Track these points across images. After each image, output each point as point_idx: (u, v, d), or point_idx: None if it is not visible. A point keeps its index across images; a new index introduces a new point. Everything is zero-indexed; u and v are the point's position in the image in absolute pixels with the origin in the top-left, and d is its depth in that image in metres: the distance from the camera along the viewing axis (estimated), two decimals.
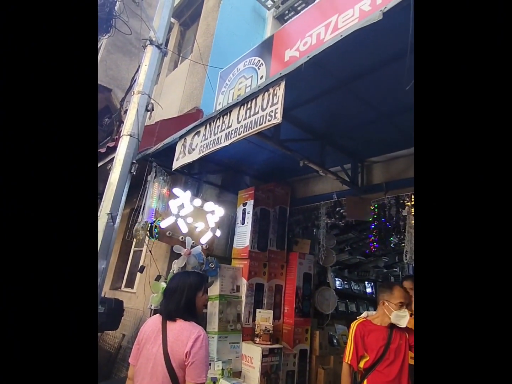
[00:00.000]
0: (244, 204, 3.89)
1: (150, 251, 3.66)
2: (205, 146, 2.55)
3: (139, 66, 3.72)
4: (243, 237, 3.75)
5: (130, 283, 4.95)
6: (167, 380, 1.50)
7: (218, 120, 2.49)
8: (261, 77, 3.48)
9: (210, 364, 2.85)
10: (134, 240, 4.78)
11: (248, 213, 3.81)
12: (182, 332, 1.58)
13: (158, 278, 3.33)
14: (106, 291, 4.78)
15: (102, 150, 4.28)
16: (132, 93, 3.49)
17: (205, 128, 2.63)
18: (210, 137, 2.52)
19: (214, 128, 2.49)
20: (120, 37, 7.17)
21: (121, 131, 3.46)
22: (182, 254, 3.24)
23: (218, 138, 2.41)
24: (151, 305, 3.14)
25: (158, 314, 1.73)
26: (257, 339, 3.24)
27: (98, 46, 7.99)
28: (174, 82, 5.96)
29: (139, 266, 4.11)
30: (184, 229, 3.48)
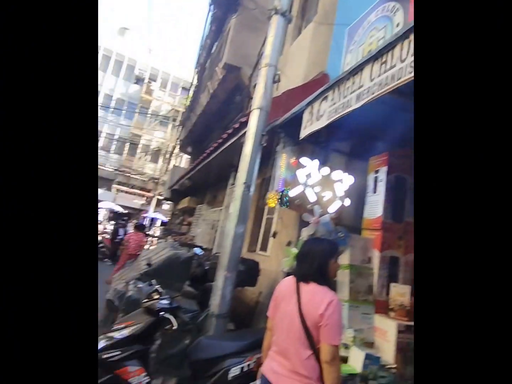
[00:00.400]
0: (376, 172, 3.60)
1: (281, 218, 3.86)
2: (333, 111, 2.44)
3: (265, 39, 3.80)
4: (375, 206, 3.51)
5: (264, 247, 5.42)
6: (303, 336, 1.60)
7: (347, 81, 2.32)
8: (397, 25, 3.03)
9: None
10: (266, 207, 5.14)
11: (380, 181, 3.52)
12: (316, 295, 1.63)
13: (289, 244, 3.51)
14: (244, 253, 5.38)
15: (236, 125, 4.66)
16: (259, 67, 3.61)
17: (333, 92, 2.50)
18: (339, 100, 2.39)
19: (343, 90, 2.34)
20: (247, 15, 7.45)
21: (251, 106, 3.67)
22: (310, 222, 3.29)
23: (347, 101, 2.26)
24: (284, 268, 3.35)
25: (291, 276, 1.83)
26: (392, 313, 3.06)
27: (227, 27, 8.54)
28: (298, 49, 5.86)
29: (272, 232, 4.42)
30: (312, 198, 3.51)
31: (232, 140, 4.80)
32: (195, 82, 14.03)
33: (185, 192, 11.52)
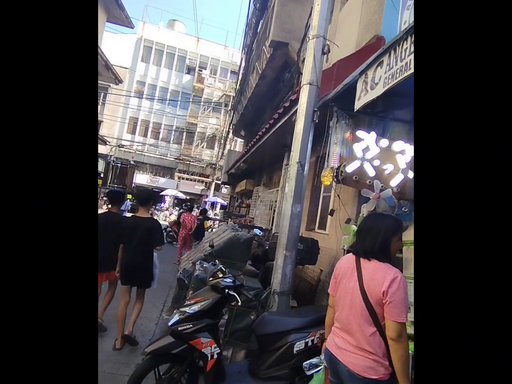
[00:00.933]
0: None
1: (338, 196, 3.76)
2: (390, 77, 2.25)
3: (312, 8, 3.61)
4: None
5: (322, 225, 5.36)
6: (365, 313, 1.57)
7: (405, 42, 2.11)
8: None
9: (409, 308, 2.76)
10: (322, 185, 5.04)
11: None
12: (377, 271, 1.58)
13: (348, 221, 3.42)
14: (302, 232, 5.38)
15: (286, 104, 4.58)
16: (307, 40, 3.47)
17: (389, 55, 2.31)
18: (395, 65, 2.20)
19: (401, 52, 2.14)
20: None
21: (300, 82, 3.56)
22: (370, 198, 3.15)
23: (406, 64, 2.07)
24: (344, 246, 3.29)
25: (351, 253, 1.79)
26: None
27: (271, 2, 8.27)
28: (348, 14, 5.47)
29: (329, 210, 4.33)
30: (371, 172, 3.34)
31: (284, 119, 4.74)
32: (243, 64, 13.99)
33: (242, 175, 11.78)
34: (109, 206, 4.14)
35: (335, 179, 3.41)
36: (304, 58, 3.56)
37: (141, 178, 25.61)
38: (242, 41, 14.74)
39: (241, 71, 13.51)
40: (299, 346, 2.26)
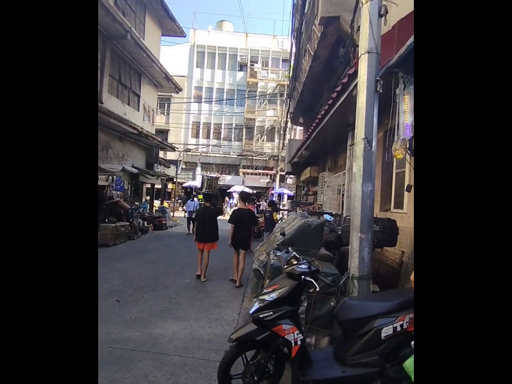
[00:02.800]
0: None
1: (413, 169, 3.43)
2: None
3: None
4: None
5: (398, 204, 4.97)
6: None
7: None
8: None
9: None
10: (394, 161, 4.66)
11: None
12: None
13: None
14: (376, 213, 5.06)
15: (344, 80, 4.32)
16: (360, 5, 3.20)
17: None
18: None
19: None
20: None
21: (358, 54, 3.31)
22: None
23: None
24: None
25: None
26: None
27: None
28: None
29: (406, 186, 3.99)
30: None
31: (344, 96, 4.49)
32: (293, 50, 13.67)
33: (305, 163, 11.58)
34: (206, 203, 6.19)
35: (408, 152, 3.12)
36: (359, 26, 3.30)
37: None
38: (291, 26, 14.38)
39: (292, 58, 13.22)
40: (387, 331, 2.13)
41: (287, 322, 2.21)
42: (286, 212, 11.78)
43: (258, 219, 8.78)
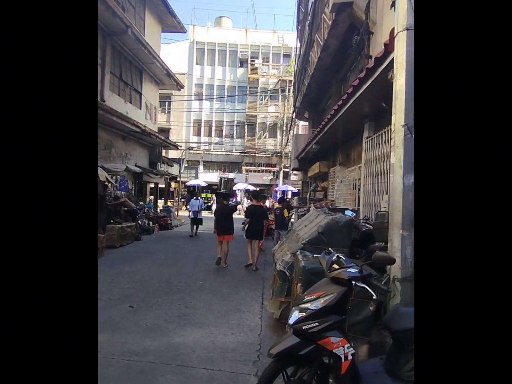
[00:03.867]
0: None
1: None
2: None
3: None
4: None
5: None
6: None
7: None
8: None
9: None
10: None
11: None
12: None
13: None
14: None
15: (369, 65, 4.02)
16: None
17: None
18: None
19: None
20: None
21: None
22: None
23: None
24: None
25: None
26: None
27: None
28: None
29: None
30: None
31: (367, 83, 4.18)
32: (298, 45, 13.36)
33: (313, 158, 11.29)
34: (224, 201, 7.44)
35: None
36: (393, 2, 3.00)
37: (212, 176, 26.68)
38: (296, 18, 14.04)
39: (298, 50, 12.91)
40: None
41: (335, 334, 1.93)
42: (295, 209, 11.49)
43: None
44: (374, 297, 1.91)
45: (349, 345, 1.93)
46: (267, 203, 11.51)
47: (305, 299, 2.09)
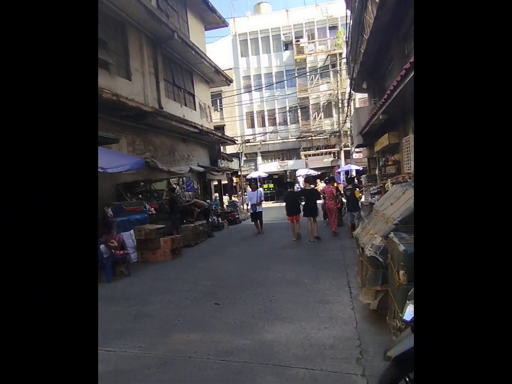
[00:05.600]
0: None
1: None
2: None
3: None
4: None
5: None
6: None
7: None
8: None
9: None
10: None
11: None
12: None
13: None
14: None
15: None
16: None
17: None
18: None
19: None
20: None
21: None
22: None
23: None
24: None
25: None
26: None
27: None
28: None
29: None
30: None
31: None
32: (348, 13, 12.33)
33: (379, 130, 10.38)
34: (290, 188, 9.12)
35: None
36: None
37: (271, 166, 26.57)
38: None
39: (349, 20, 11.93)
40: None
41: None
42: (364, 188, 10.74)
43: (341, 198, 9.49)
44: None
45: None
46: (322, 187, 11.09)
47: None
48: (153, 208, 8.57)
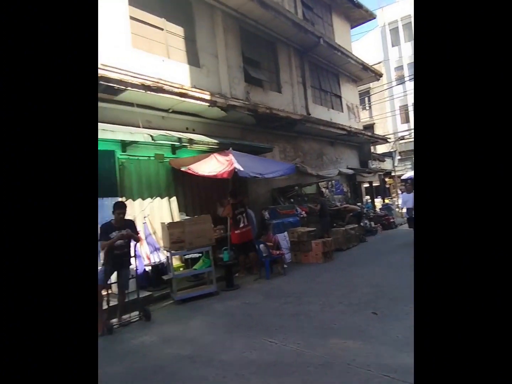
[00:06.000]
0: None
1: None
2: None
3: None
4: None
5: None
6: None
7: None
8: None
9: None
10: None
11: None
12: None
13: None
14: None
15: None
16: None
17: None
18: None
19: None
20: None
21: None
22: None
23: None
24: None
25: None
26: None
27: None
28: None
29: None
30: None
31: None
32: None
33: None
34: None
35: None
36: None
37: None
38: None
39: None
40: None
41: None
42: None
43: None
44: None
45: None
46: None
47: None
48: (304, 212, 8.87)
